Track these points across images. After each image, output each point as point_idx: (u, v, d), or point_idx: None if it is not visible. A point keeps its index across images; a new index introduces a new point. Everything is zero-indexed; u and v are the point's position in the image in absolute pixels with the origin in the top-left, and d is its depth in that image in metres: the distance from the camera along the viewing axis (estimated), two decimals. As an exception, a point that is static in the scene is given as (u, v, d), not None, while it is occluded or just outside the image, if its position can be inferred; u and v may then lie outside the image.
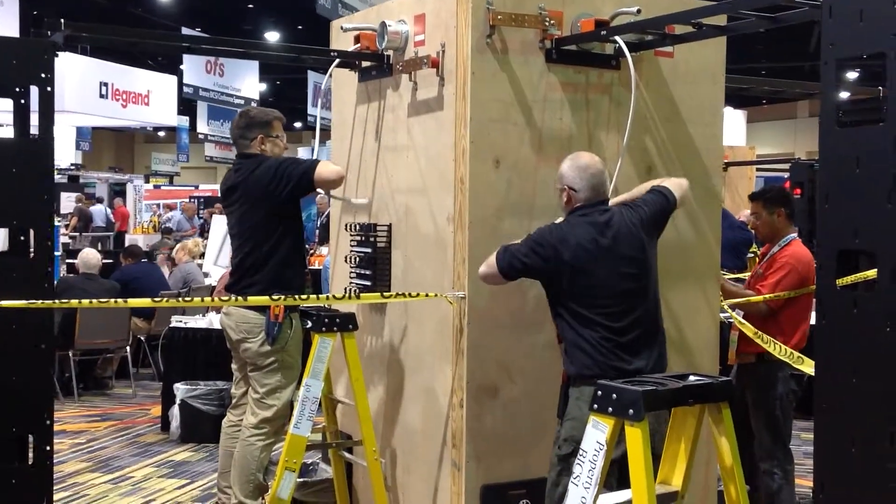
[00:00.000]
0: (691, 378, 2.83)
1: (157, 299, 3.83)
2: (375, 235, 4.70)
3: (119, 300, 3.60)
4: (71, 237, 17.40)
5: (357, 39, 4.73)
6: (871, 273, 4.14)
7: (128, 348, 8.85)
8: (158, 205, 21.38)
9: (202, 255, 10.87)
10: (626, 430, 2.64)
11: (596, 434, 2.70)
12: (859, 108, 4.09)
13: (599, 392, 2.73)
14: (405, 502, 4.57)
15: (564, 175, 3.89)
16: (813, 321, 6.68)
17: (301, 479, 4.90)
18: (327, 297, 4.21)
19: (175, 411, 7.12)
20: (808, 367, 4.21)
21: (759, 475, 4.90)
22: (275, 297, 4.19)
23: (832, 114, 2.92)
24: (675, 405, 2.77)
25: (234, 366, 4.72)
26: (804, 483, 5.87)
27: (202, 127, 24.25)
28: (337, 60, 4.85)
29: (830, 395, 2.96)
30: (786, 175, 13.15)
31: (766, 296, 4.81)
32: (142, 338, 9.29)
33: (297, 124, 29.36)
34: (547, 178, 4.25)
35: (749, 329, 4.63)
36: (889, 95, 2.77)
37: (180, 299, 3.74)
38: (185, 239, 16.86)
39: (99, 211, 20.94)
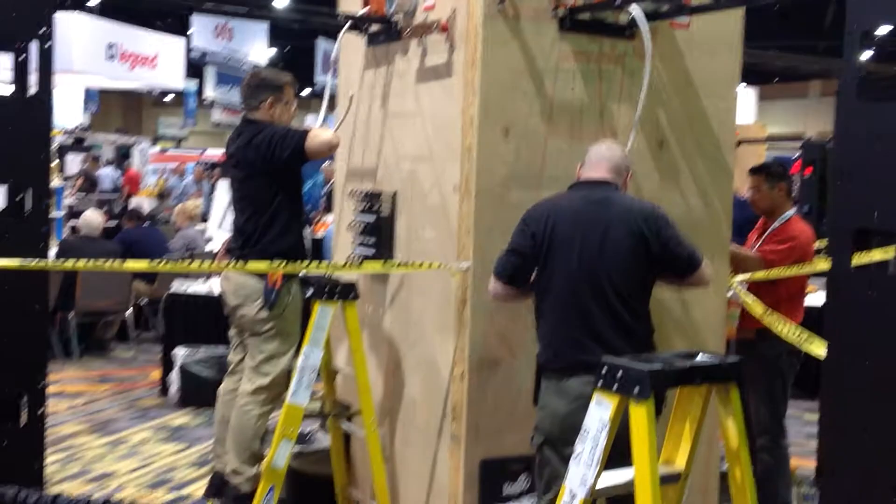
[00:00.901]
0: (700, 357, 2.75)
1: (153, 262, 3.75)
2: (380, 203, 4.62)
3: (117, 261, 3.53)
4: (77, 199, 17.30)
5: (366, 2, 4.62)
6: (889, 251, 4.07)
7: (129, 311, 8.80)
8: (164, 168, 21.21)
9: (204, 219, 10.79)
10: (631, 409, 2.57)
11: (599, 412, 2.63)
12: (882, 82, 3.98)
13: (605, 369, 2.65)
14: (403, 474, 4.52)
15: None
16: (815, 302, 6.62)
17: (298, 448, 4.85)
18: (328, 265, 4.13)
19: (174, 376, 7.08)
20: (818, 347, 4.13)
21: (756, 450, 4.86)
22: (274, 262, 4.11)
23: (853, 86, 2.82)
24: (683, 385, 2.70)
25: (231, 332, 4.66)
26: (807, 464, 5.83)
27: (209, 92, 24.06)
28: (347, 24, 4.74)
29: (842, 379, 2.88)
30: (795, 154, 13.06)
31: (770, 272, 4.73)
32: (143, 301, 9.24)
33: (306, 91, 29.23)
34: (557, 148, 4.16)
35: (758, 307, 4.55)
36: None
37: (178, 262, 3.66)
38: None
39: (106, 174, 20.82)
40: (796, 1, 17.62)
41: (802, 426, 6.89)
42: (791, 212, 5.02)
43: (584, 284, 3.50)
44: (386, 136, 4.70)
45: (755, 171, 5.15)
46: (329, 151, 4.49)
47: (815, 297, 7.04)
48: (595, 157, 3.76)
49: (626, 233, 3.52)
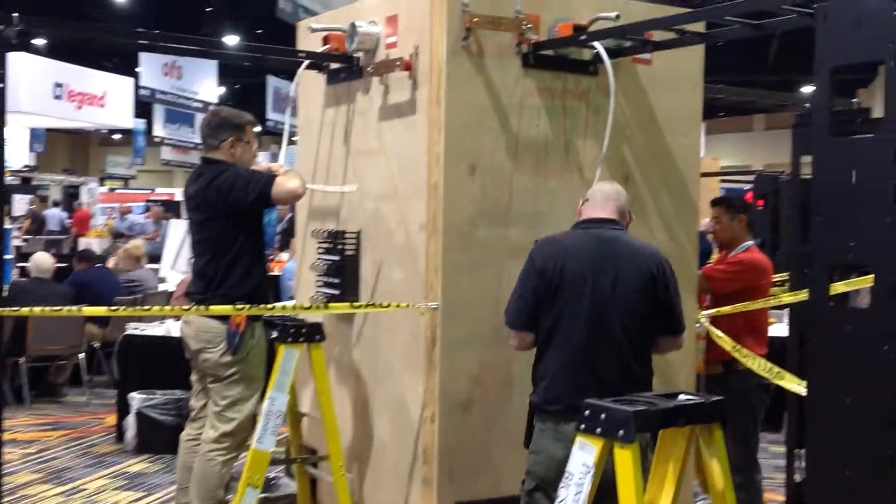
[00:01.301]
0: (681, 397, 2.71)
1: (114, 308, 3.64)
2: (344, 243, 4.55)
3: (73, 308, 3.41)
4: (24, 240, 16.97)
5: (326, 41, 4.58)
6: (867, 280, 4.08)
7: (81, 355, 8.58)
8: (113, 208, 20.93)
9: (152, 259, 10.57)
10: (616, 453, 2.51)
11: (583, 456, 2.57)
12: (852, 117, 4.01)
13: (587, 411, 2.59)
14: (372, 519, 4.42)
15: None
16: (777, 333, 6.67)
17: (263, 495, 4.72)
18: (294, 307, 4.05)
19: (131, 421, 6.88)
20: (788, 382, 4.12)
21: None
22: (238, 305, 4.01)
23: (826, 123, 2.82)
24: (667, 426, 2.65)
25: (193, 377, 4.53)
26: (776, 497, 5.81)
27: (159, 130, 23.82)
28: (306, 62, 4.69)
29: (823, 415, 2.86)
30: (746, 187, 13.21)
31: (732, 308, 4.73)
32: (96, 344, 9.02)
33: (257, 129, 29.02)
34: (522, 185, 4.14)
35: (727, 343, 4.54)
36: (887, 105, 2.68)
37: (138, 308, 3.55)
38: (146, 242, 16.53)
39: (53, 214, 20.51)
40: (736, 42, 17.86)
41: (768, 459, 6.88)
42: (749, 243, 5.04)
43: (594, 325, 3.36)
44: (349, 175, 4.64)
45: (716, 203, 5.17)
46: (295, 200, 4.39)
47: (776, 329, 7.08)
48: (601, 196, 3.60)
49: (638, 274, 3.41)
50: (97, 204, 22.33)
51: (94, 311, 3.68)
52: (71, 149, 39.02)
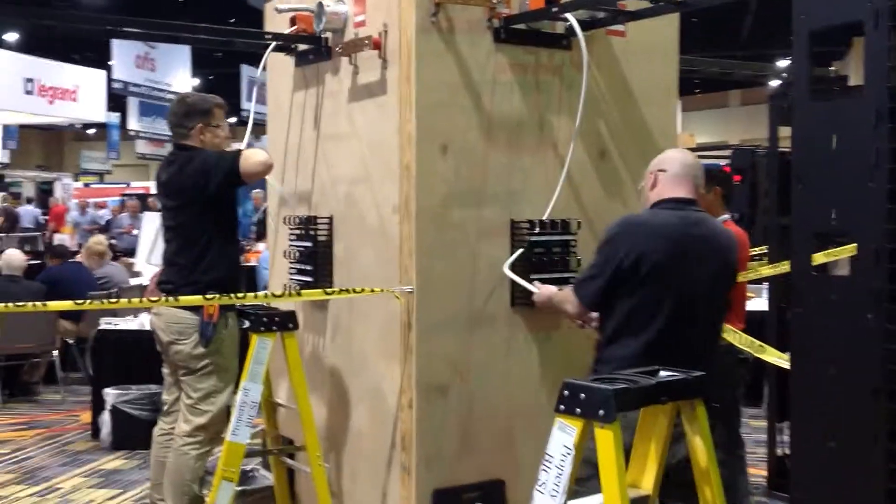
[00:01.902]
0: (662, 374, 2.63)
1: (80, 301, 3.52)
2: (316, 228, 4.45)
3: (39, 303, 3.30)
4: (-3, 238, 16.76)
5: (293, 22, 4.46)
6: (850, 249, 4.01)
7: (55, 352, 8.44)
8: (88, 203, 20.68)
9: (119, 255, 10.39)
10: (596, 433, 2.43)
11: (563, 437, 2.48)
12: (832, 80, 3.93)
13: (566, 391, 2.51)
14: (352, 509, 4.33)
15: (653, 163, 3.53)
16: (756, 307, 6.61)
17: (240, 488, 4.63)
18: (265, 295, 3.94)
19: (106, 417, 6.76)
20: (770, 355, 4.05)
21: None
22: (208, 296, 3.90)
23: (805, 87, 2.74)
24: (649, 403, 2.57)
25: (164, 370, 4.42)
26: (756, 471, 5.76)
27: (133, 123, 23.64)
28: (272, 45, 4.57)
29: (807, 385, 2.79)
30: (723, 162, 13.16)
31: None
32: (70, 341, 8.88)
33: (232, 119, 28.67)
34: (497, 163, 4.04)
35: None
36: (867, 65, 2.60)
37: (105, 301, 3.44)
38: (122, 236, 16.33)
39: (27, 211, 20.28)
40: (711, 11, 17.87)
41: (749, 433, 6.83)
42: (725, 216, 4.92)
43: (677, 314, 3.21)
44: (320, 159, 4.53)
45: None
46: (264, 172, 4.28)
47: (755, 303, 7.04)
48: (682, 170, 3.43)
49: (722, 262, 3.34)
50: (71, 199, 22.09)
51: (59, 305, 3.56)
52: (45, 145, 38.62)
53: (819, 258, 2.72)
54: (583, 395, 2.46)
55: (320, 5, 4.26)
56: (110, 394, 6.74)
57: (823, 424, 2.71)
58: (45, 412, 8.09)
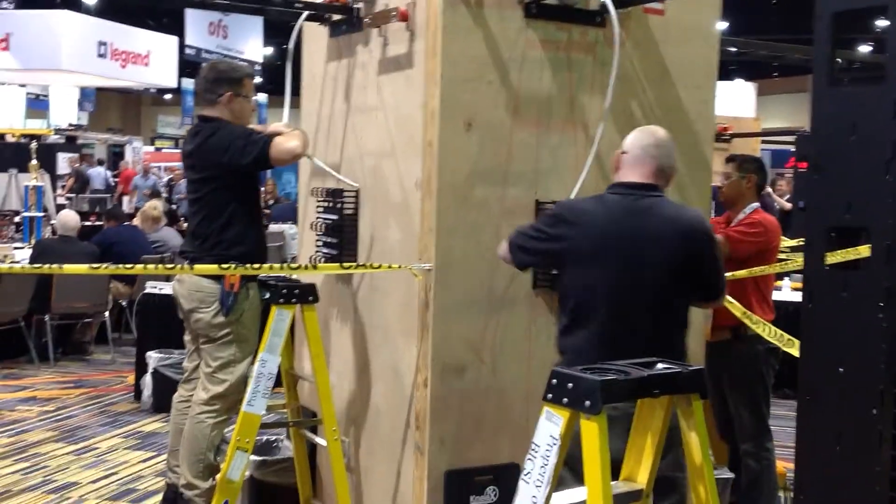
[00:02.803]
0: (658, 366, 2.54)
1: (95, 266, 3.54)
2: (342, 201, 4.41)
3: (55, 266, 3.32)
4: (67, 199, 17.14)
5: (326, -10, 4.41)
6: (864, 250, 3.85)
7: (107, 313, 8.59)
8: (149, 167, 21.00)
9: (178, 218, 10.52)
10: (582, 424, 2.35)
11: (549, 427, 2.41)
12: (857, 66, 3.76)
13: (554, 380, 2.43)
14: (367, 485, 4.31)
15: (624, 141, 3.45)
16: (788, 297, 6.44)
17: (261, 458, 4.65)
18: (283, 267, 3.92)
19: (147, 380, 6.88)
20: (797, 350, 3.91)
21: (741, 457, 4.66)
22: (224, 265, 3.89)
23: (824, 73, 2.60)
24: (639, 396, 2.48)
25: (186, 337, 4.45)
26: (790, 465, 5.61)
27: (206, 90, 23.85)
28: (305, 13, 4.53)
29: (815, 384, 2.68)
30: (792, 149, 12.81)
31: (747, 271, 4.52)
32: (123, 303, 9.04)
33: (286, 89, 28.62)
34: (523, 142, 3.94)
35: (738, 309, 4.33)
36: (889, 53, 2.46)
37: (121, 266, 3.45)
38: (182, 202, 16.53)
39: (97, 173, 20.67)
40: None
41: (783, 426, 6.66)
42: (755, 205, 4.81)
43: (616, 304, 3.18)
44: (349, 131, 4.49)
45: (729, 159, 4.98)
46: (294, 159, 4.24)
47: (782, 294, 6.88)
48: (640, 153, 3.34)
49: (674, 250, 3.19)
50: (142, 163, 22.45)
51: (73, 269, 3.57)
52: (123, 108, 39.35)
53: (832, 258, 2.60)
54: (570, 384, 2.39)
55: (352, -25, 4.20)
56: (153, 357, 6.85)
57: (829, 425, 2.59)
58: (93, 371, 8.26)
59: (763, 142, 12.43)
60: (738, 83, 18.72)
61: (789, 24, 21.25)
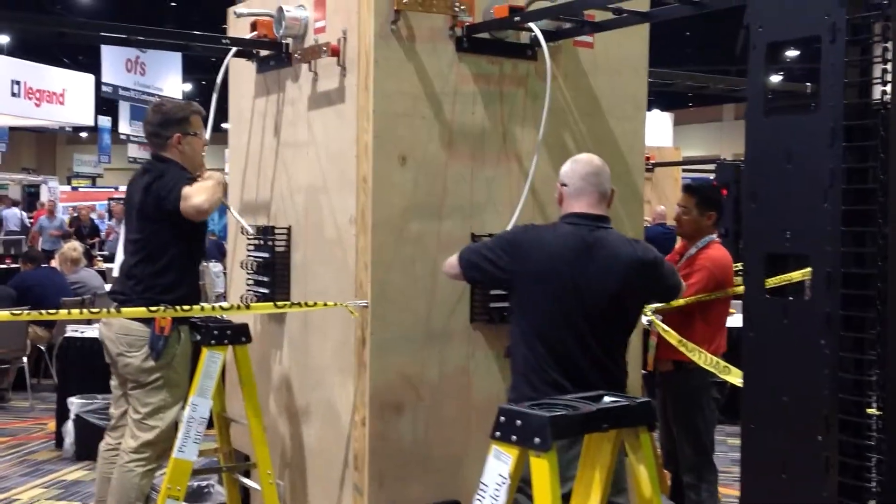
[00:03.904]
0: (605, 399, 2.52)
1: (16, 311, 3.41)
2: (274, 239, 4.33)
3: (-25, 312, 3.17)
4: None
5: (254, 27, 4.35)
6: (797, 275, 3.89)
7: (25, 358, 8.30)
8: (74, 207, 20.56)
9: (93, 258, 10.22)
10: (532, 462, 2.31)
11: (498, 466, 2.37)
12: (789, 95, 3.83)
13: (502, 417, 2.39)
14: (305, 529, 4.21)
15: (560, 173, 3.49)
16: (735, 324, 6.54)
17: (194, 504, 4.51)
18: (213, 307, 3.82)
19: (69, 427, 6.63)
20: (734, 377, 3.94)
21: (683, 488, 4.65)
22: (153, 308, 3.76)
23: (760, 102, 2.63)
24: (588, 431, 2.45)
25: (112, 382, 4.29)
26: (730, 492, 5.64)
27: (124, 127, 23.52)
28: (233, 50, 4.46)
29: (758, 414, 2.68)
30: (711, 176, 13.09)
31: (684, 300, 4.50)
32: (42, 347, 8.75)
33: (225, 125, 28.47)
34: (458, 175, 3.93)
35: (673, 337, 4.35)
36: (823, 82, 2.49)
37: (44, 312, 3.33)
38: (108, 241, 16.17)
39: (12, 214, 20.14)
40: (707, 29, 17.90)
41: (726, 452, 6.72)
42: (710, 237, 4.75)
43: (564, 329, 3.25)
44: (279, 168, 4.42)
45: (689, 190, 4.85)
46: (202, 215, 4.02)
47: (733, 320, 6.92)
48: (583, 183, 3.40)
49: (621, 283, 3.30)
50: (59, 203, 21.94)
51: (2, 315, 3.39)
52: (37, 147, 38.49)
53: (771, 282, 2.61)
54: (518, 421, 2.35)
55: (280, 10, 4.16)
56: (74, 402, 6.61)
57: (775, 453, 2.59)
58: (11, 419, 7.95)
59: (684, 170, 12.67)
60: (656, 113, 19.10)
61: (703, 56, 21.83)
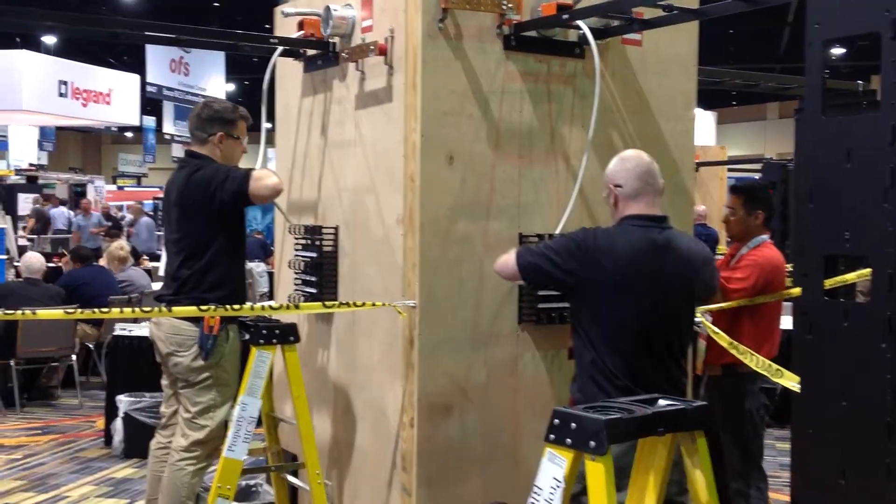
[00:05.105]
0: (661, 402, 2.48)
1: (69, 310, 3.44)
2: (321, 238, 4.34)
3: (28, 311, 3.21)
4: (29, 240, 16.88)
5: (301, 26, 4.36)
6: (851, 276, 3.82)
7: (74, 356, 8.41)
8: (121, 207, 20.82)
9: (140, 257, 10.31)
10: (587, 465, 2.29)
11: (552, 469, 2.34)
12: (845, 93, 3.76)
13: (557, 420, 2.37)
14: (353, 529, 4.21)
15: (608, 173, 3.43)
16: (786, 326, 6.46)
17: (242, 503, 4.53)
18: (264, 307, 3.83)
19: (118, 425, 6.70)
20: (788, 380, 3.87)
21: (730, 495, 4.57)
22: (203, 307, 3.78)
23: (817, 101, 2.58)
24: (644, 435, 2.42)
25: (163, 381, 4.32)
26: (779, 497, 5.56)
27: (168, 127, 23.79)
28: (279, 49, 4.48)
29: (815, 418, 2.63)
30: (757, 175, 12.94)
31: (736, 302, 4.43)
32: (91, 345, 8.85)
33: (269, 125, 28.60)
34: (505, 175, 3.91)
35: (724, 339, 4.28)
36: (884, 80, 2.44)
37: (95, 311, 3.35)
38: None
39: (59, 213, 20.41)
40: (751, 27, 17.71)
41: (774, 456, 6.64)
42: (762, 238, 4.65)
43: (641, 332, 3.21)
44: (326, 167, 4.43)
45: (735, 192, 4.77)
46: (274, 196, 4.12)
47: (785, 322, 6.81)
48: (640, 183, 3.34)
49: (688, 286, 3.34)
50: (105, 202, 22.21)
51: (47, 314, 3.44)
52: (83, 147, 39.06)
53: (830, 283, 2.56)
54: (573, 424, 2.32)
55: (327, 9, 4.16)
56: (123, 401, 6.67)
57: (832, 461, 2.54)
58: (61, 417, 8.05)
59: (729, 169, 12.53)
60: (699, 112, 18.91)
61: (747, 54, 21.60)
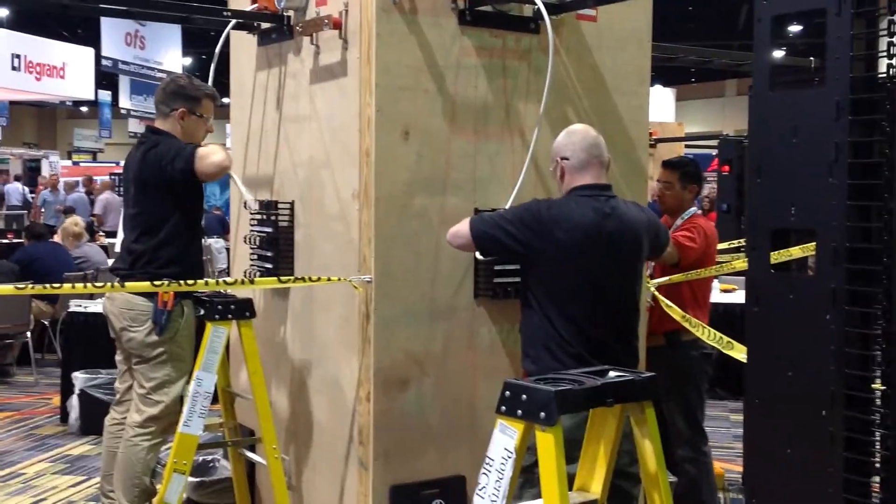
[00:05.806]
0: (611, 374, 2.52)
1: (20, 285, 3.41)
2: (277, 214, 4.32)
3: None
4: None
5: (254, -1, 4.33)
6: (796, 250, 3.89)
7: (29, 333, 8.33)
8: (77, 182, 20.52)
9: (95, 233, 10.22)
10: (538, 436, 2.32)
11: (504, 440, 2.37)
12: (794, 70, 3.81)
13: (507, 392, 2.39)
14: (310, 503, 4.22)
15: (555, 147, 3.55)
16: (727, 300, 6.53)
17: (198, 479, 4.54)
18: (217, 282, 3.83)
19: (74, 402, 6.66)
20: (738, 352, 3.94)
21: (677, 461, 4.67)
22: (157, 282, 3.77)
23: (765, 76, 2.62)
24: (593, 406, 2.46)
25: (117, 357, 4.30)
26: (735, 468, 5.67)
27: (125, 102, 23.44)
28: (232, 22, 4.44)
29: (763, 389, 2.68)
30: (714, 152, 13.04)
31: (684, 276, 4.52)
32: (46, 322, 8.77)
33: (226, 100, 28.27)
34: (461, 149, 3.91)
35: (677, 312, 4.35)
36: (828, 55, 2.48)
37: (47, 286, 3.32)
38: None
39: (14, 189, 20.13)
40: (709, 5, 17.80)
41: (729, 427, 6.76)
42: (693, 210, 4.88)
43: (592, 301, 3.32)
44: (282, 142, 4.41)
45: (670, 166, 4.94)
46: (220, 173, 4.12)
47: (737, 296, 6.94)
48: (587, 155, 3.46)
49: (635, 249, 3.46)
50: (60, 178, 21.90)
51: (1, 289, 3.41)
52: (38, 122, 38.43)
53: (776, 256, 2.61)
54: (524, 396, 2.35)
55: (282, -18, 4.13)
56: (79, 377, 6.64)
57: (780, 431, 2.60)
58: (16, 394, 7.99)
59: (686, 146, 12.63)
60: (658, 89, 19.04)
61: (705, 31, 21.70)
